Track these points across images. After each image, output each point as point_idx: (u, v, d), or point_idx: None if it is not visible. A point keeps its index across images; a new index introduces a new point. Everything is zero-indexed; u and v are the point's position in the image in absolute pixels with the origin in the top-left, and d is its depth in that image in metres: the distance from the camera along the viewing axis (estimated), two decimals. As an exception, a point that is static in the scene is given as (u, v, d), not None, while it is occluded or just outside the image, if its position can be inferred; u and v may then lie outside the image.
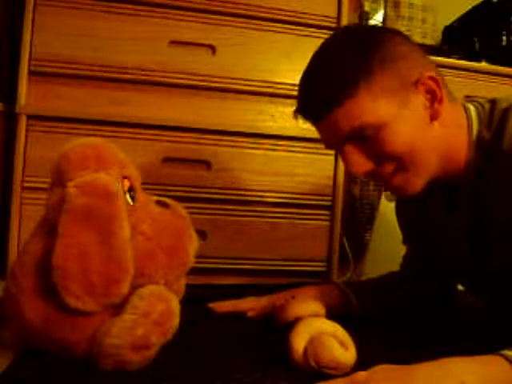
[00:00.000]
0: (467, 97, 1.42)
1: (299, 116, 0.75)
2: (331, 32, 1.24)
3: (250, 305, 0.91)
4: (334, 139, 0.72)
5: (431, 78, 0.69)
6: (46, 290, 0.60)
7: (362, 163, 0.70)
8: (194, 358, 0.67)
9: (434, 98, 0.69)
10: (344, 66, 0.67)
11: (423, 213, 0.86)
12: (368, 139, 0.68)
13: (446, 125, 0.71)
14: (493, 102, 0.74)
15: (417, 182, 0.72)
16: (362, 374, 0.56)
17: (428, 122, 0.70)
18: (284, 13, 1.23)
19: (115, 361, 0.59)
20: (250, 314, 0.89)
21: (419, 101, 0.69)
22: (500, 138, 0.69)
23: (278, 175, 1.23)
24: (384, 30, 0.76)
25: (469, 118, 0.73)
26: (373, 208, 1.51)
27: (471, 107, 0.75)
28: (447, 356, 0.56)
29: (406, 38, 0.73)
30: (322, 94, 0.69)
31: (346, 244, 1.43)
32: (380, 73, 0.67)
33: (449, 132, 0.72)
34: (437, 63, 1.48)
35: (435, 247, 0.86)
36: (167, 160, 1.17)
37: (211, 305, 0.91)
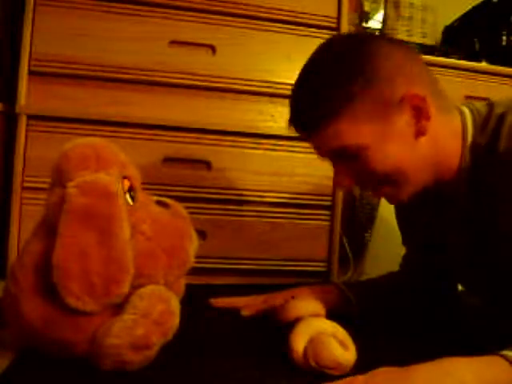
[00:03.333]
0: (467, 97, 1.42)
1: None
2: (331, 32, 1.24)
3: (246, 302, 0.91)
4: (320, 153, 0.75)
5: (417, 96, 0.67)
6: (46, 290, 0.60)
7: (343, 180, 0.74)
8: (193, 357, 0.67)
9: (419, 114, 0.68)
10: (327, 89, 0.68)
11: (421, 215, 0.86)
12: (353, 158, 0.70)
13: (436, 137, 0.71)
14: (490, 106, 0.73)
15: (404, 194, 0.73)
16: (360, 378, 0.56)
17: (413, 140, 0.69)
18: (284, 13, 1.23)
19: (115, 361, 0.59)
20: (244, 312, 0.89)
21: (404, 120, 0.68)
22: (496, 144, 0.68)
23: (278, 175, 1.23)
24: (374, 42, 0.71)
25: (464, 124, 0.73)
26: (373, 208, 1.50)
27: (467, 112, 0.74)
28: (447, 356, 0.56)
29: (398, 48, 0.71)
30: (306, 115, 0.71)
31: (346, 244, 1.43)
32: (363, 97, 0.67)
33: (439, 144, 0.71)
34: (437, 63, 1.48)
35: (434, 248, 0.86)
36: (167, 160, 1.17)
37: (210, 300, 0.93)
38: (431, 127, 0.69)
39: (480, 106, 0.75)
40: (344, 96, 0.67)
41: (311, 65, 0.73)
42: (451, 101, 0.76)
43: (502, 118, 0.70)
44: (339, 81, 0.67)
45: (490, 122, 0.71)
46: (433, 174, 0.73)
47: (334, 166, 0.74)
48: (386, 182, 0.71)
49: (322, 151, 0.74)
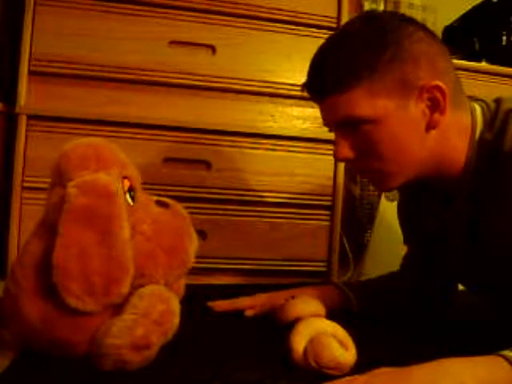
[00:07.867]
0: (467, 97, 1.42)
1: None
2: (331, 32, 1.24)
3: (248, 303, 0.91)
4: (329, 121, 0.74)
5: (437, 87, 0.67)
6: (46, 290, 0.60)
7: (344, 151, 0.73)
8: (193, 357, 0.67)
9: (435, 107, 0.68)
10: (352, 57, 0.68)
11: (424, 212, 0.86)
12: (358, 131, 0.70)
13: (445, 133, 0.71)
14: (498, 102, 0.73)
15: (390, 183, 0.74)
16: (360, 378, 0.55)
17: (423, 130, 0.70)
18: (284, 13, 1.23)
19: (115, 361, 0.59)
20: (248, 312, 0.89)
21: (419, 108, 0.69)
22: (501, 140, 0.69)
23: (278, 175, 1.23)
24: (407, 23, 0.71)
25: (474, 119, 0.73)
26: (373, 208, 1.50)
27: (477, 108, 0.74)
28: (447, 356, 0.56)
29: (428, 35, 0.71)
30: (325, 78, 0.71)
31: (346, 244, 1.43)
32: (385, 72, 0.67)
33: (447, 139, 0.71)
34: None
35: (436, 246, 0.86)
36: (167, 160, 1.17)
37: (210, 304, 0.91)
38: (443, 122, 0.69)
39: (489, 101, 0.75)
40: (368, 65, 0.67)
41: (341, 35, 0.74)
42: (466, 99, 0.75)
43: (508, 114, 0.70)
44: (367, 50, 0.67)
45: (497, 118, 0.71)
46: (432, 169, 0.73)
47: (336, 138, 0.73)
48: (377, 167, 0.72)
49: (330, 119, 0.73)
